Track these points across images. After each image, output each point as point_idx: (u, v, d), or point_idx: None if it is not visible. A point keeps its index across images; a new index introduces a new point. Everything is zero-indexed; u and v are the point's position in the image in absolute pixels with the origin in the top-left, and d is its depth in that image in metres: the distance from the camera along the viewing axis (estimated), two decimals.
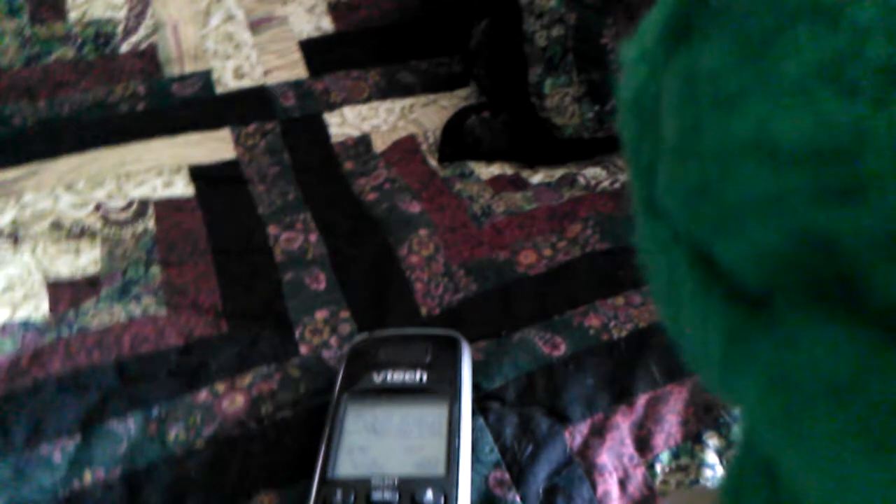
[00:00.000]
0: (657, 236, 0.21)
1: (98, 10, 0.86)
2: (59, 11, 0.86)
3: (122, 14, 0.86)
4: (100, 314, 0.62)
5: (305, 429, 0.53)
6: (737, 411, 0.50)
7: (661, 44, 0.20)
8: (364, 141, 0.82)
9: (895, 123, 0.14)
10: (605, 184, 0.73)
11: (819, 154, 0.14)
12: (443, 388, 0.50)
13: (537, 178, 0.76)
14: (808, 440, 0.17)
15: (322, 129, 0.82)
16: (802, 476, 0.18)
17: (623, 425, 0.51)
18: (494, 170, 0.77)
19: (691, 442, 0.50)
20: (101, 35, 0.85)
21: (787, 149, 0.15)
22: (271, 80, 0.86)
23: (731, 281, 0.18)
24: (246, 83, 0.85)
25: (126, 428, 0.54)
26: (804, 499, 0.19)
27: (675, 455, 0.49)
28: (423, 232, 0.68)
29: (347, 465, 0.47)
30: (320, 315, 0.62)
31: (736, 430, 0.49)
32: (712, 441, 0.49)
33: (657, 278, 0.22)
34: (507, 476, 0.49)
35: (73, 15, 0.85)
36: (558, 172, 0.76)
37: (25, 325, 0.61)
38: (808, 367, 0.16)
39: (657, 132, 0.20)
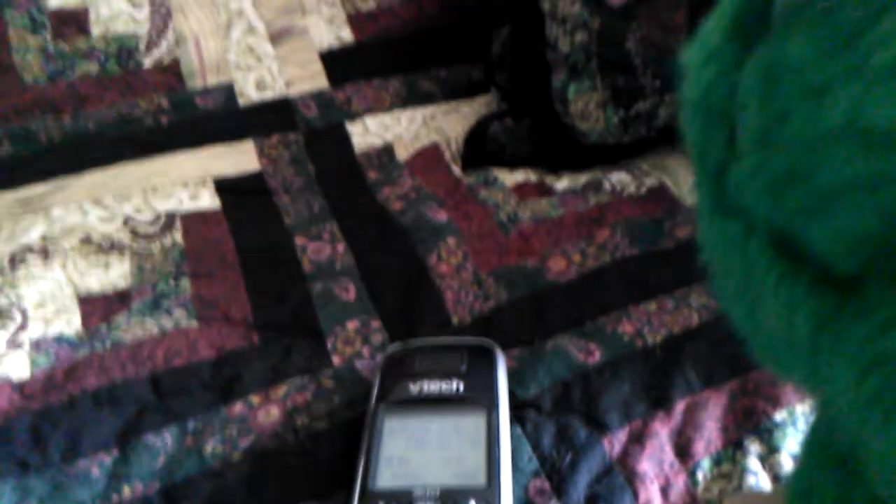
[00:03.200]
0: (729, 234, 0.21)
1: (120, 26, 0.86)
2: (82, 27, 0.86)
3: (144, 29, 0.87)
4: (132, 328, 0.62)
5: (342, 440, 0.53)
6: (780, 416, 0.50)
7: (731, 42, 0.21)
8: (387, 150, 0.82)
9: None
10: (632, 189, 0.73)
11: None
12: (480, 397, 0.50)
13: (562, 184, 0.76)
14: None
15: (345, 139, 0.83)
16: (890, 461, 0.18)
17: (662, 432, 0.50)
18: (518, 177, 0.77)
19: (732, 448, 0.49)
20: (124, 50, 0.86)
21: (882, 132, 0.15)
22: (293, 91, 0.86)
23: (820, 267, 0.18)
24: (268, 95, 0.86)
25: (163, 441, 0.54)
26: (887, 488, 0.19)
27: (717, 462, 0.49)
28: (450, 240, 0.68)
29: (388, 476, 0.46)
30: (351, 325, 0.62)
31: (780, 436, 0.49)
32: (754, 447, 0.49)
33: (728, 276, 0.22)
34: (547, 485, 0.48)
35: (95, 30, 0.86)
36: (583, 178, 0.76)
37: (59, 340, 0.62)
38: None
39: (728, 130, 0.20)
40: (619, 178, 0.75)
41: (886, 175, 0.15)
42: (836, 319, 0.18)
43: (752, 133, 0.19)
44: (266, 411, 0.55)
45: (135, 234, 0.71)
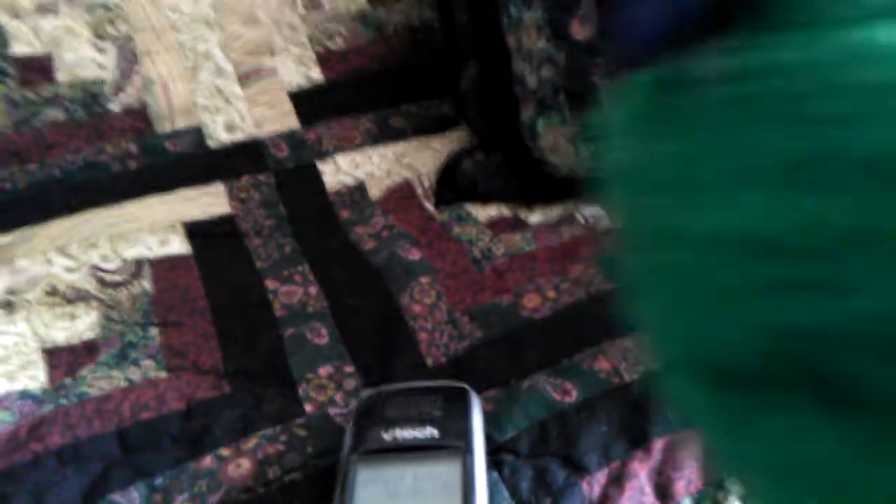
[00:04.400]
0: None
1: (86, 71, 0.86)
2: (47, 74, 0.85)
3: (110, 74, 0.86)
4: (99, 381, 0.61)
5: (315, 491, 0.51)
6: None
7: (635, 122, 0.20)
8: (359, 188, 0.81)
9: (882, 220, 0.13)
10: (605, 221, 0.73)
11: (800, 250, 0.14)
12: (455, 443, 0.49)
13: (535, 217, 0.76)
14: None
15: (316, 178, 0.82)
16: None
17: (641, 473, 0.49)
18: (492, 211, 0.77)
19: (713, 488, 0.48)
20: (91, 95, 0.85)
21: (764, 243, 0.14)
22: (263, 131, 0.86)
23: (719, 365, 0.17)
24: (238, 136, 0.85)
25: (129, 500, 0.52)
26: None
27: (697, 502, 0.48)
28: (424, 279, 0.67)
29: None
30: (324, 371, 0.61)
31: None
32: (735, 486, 0.48)
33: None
34: None
35: (61, 76, 0.85)
36: (556, 211, 0.75)
37: (23, 395, 0.60)
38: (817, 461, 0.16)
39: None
40: (592, 211, 0.74)
41: (768, 285, 0.15)
42: (744, 421, 0.17)
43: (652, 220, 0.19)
44: (236, 464, 0.54)
45: (102, 283, 0.70)
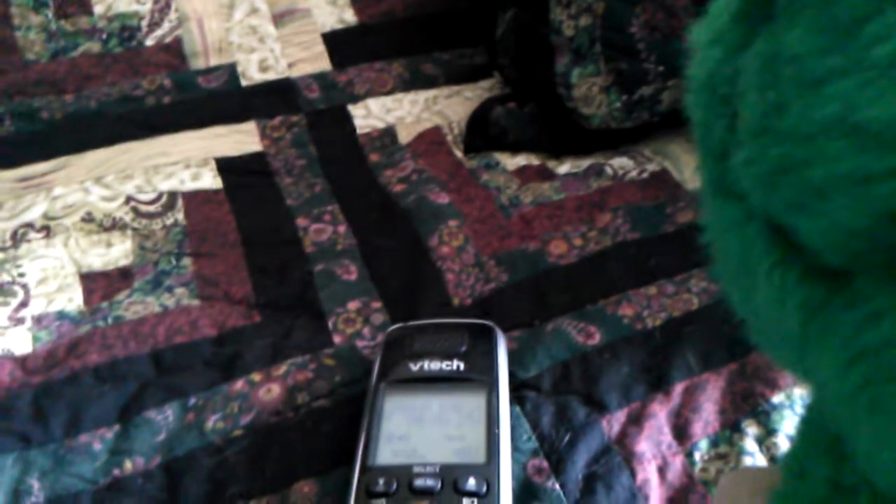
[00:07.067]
0: (728, 215, 0.21)
1: (123, 5, 0.86)
2: (85, 6, 0.86)
3: (146, 8, 0.86)
4: (134, 305, 0.63)
5: (342, 417, 0.53)
6: (778, 398, 0.50)
7: (737, 26, 0.20)
8: (389, 132, 0.82)
9: None
10: (633, 174, 0.73)
11: None
12: (480, 376, 0.50)
13: (564, 168, 0.76)
14: (887, 412, 0.17)
15: (347, 120, 0.83)
16: (875, 449, 0.18)
17: (660, 413, 0.51)
18: (520, 160, 0.77)
19: (729, 430, 0.50)
20: (127, 29, 0.86)
21: (876, 130, 0.15)
22: (295, 72, 0.86)
23: (812, 257, 0.18)
24: (270, 76, 0.86)
25: (164, 417, 0.54)
26: (874, 474, 0.19)
27: (714, 443, 0.49)
28: (452, 223, 0.68)
29: (388, 453, 0.47)
30: (352, 305, 0.62)
31: (777, 418, 0.49)
32: (751, 429, 0.49)
33: (727, 258, 0.22)
34: (545, 464, 0.49)
35: (98, 9, 0.86)
36: (585, 163, 0.76)
37: (61, 316, 0.62)
38: (892, 342, 0.16)
39: (731, 113, 0.20)
40: (620, 163, 0.75)
41: (877, 172, 0.15)
42: (825, 310, 0.18)
43: (750, 122, 0.18)
44: (267, 389, 0.55)
45: (136, 213, 0.71)
